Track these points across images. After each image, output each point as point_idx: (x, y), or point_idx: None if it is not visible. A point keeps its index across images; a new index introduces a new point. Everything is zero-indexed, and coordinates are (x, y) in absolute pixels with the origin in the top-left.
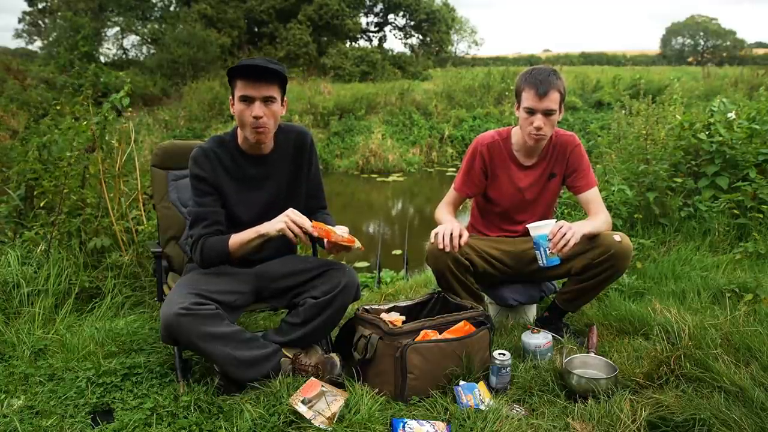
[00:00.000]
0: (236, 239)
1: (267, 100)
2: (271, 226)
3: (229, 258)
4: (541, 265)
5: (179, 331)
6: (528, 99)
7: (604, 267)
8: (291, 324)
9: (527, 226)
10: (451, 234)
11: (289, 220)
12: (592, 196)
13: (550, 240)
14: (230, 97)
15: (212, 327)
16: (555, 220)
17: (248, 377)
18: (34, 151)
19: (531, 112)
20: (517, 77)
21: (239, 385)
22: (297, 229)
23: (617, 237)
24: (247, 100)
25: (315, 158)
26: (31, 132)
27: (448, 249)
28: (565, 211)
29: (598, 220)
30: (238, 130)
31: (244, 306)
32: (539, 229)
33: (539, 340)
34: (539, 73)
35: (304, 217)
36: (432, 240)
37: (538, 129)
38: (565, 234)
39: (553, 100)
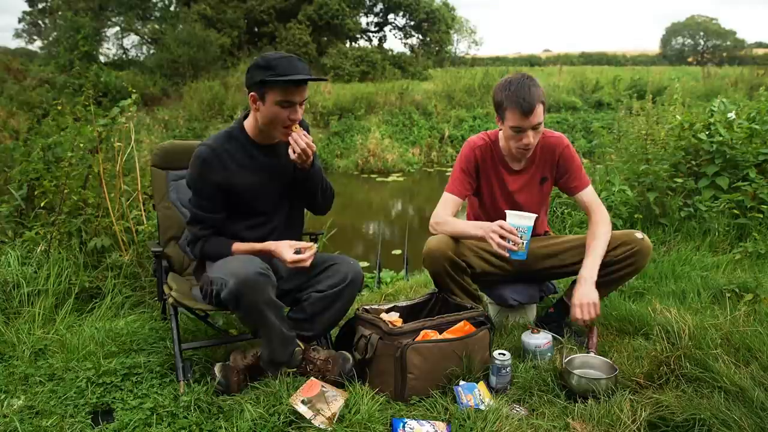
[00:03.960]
0: (241, 248)
1: (302, 103)
2: (280, 258)
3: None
4: (507, 254)
5: (254, 291)
6: (513, 119)
7: (627, 263)
8: (296, 320)
9: (506, 212)
10: (500, 235)
11: (294, 265)
12: (588, 197)
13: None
14: (252, 93)
15: (273, 296)
16: (537, 216)
17: (283, 358)
18: (38, 152)
19: (519, 130)
20: (495, 88)
21: (239, 386)
22: (300, 268)
23: (639, 235)
24: (289, 104)
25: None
26: (35, 132)
27: (515, 249)
28: (566, 211)
29: (599, 240)
30: (251, 123)
31: None
32: (522, 219)
33: (539, 340)
34: (519, 89)
35: (303, 255)
36: (496, 249)
37: (527, 145)
38: (589, 312)
39: (538, 115)
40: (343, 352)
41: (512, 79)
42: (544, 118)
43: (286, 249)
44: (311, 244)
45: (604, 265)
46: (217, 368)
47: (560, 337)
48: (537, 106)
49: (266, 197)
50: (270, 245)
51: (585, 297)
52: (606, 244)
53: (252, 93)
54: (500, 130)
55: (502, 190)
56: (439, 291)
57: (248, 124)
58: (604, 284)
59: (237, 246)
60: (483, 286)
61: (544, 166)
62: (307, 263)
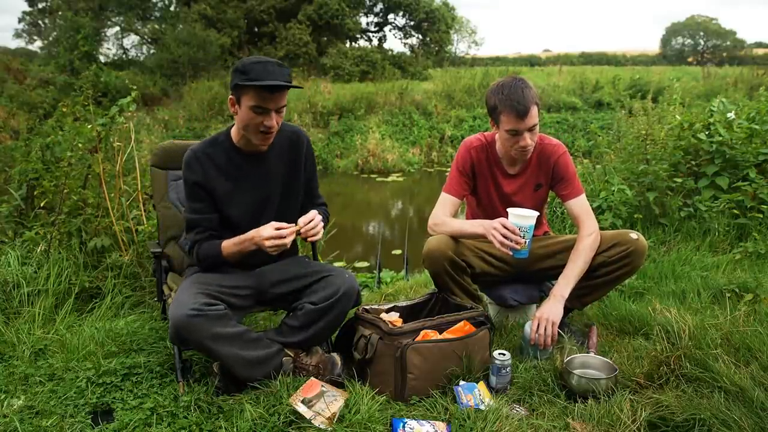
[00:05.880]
0: (229, 244)
1: (279, 110)
2: (259, 239)
3: (226, 261)
4: (510, 252)
5: (190, 332)
6: (509, 122)
7: (622, 264)
8: (290, 327)
9: (508, 210)
10: (502, 234)
11: (271, 242)
12: (578, 206)
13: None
14: (231, 97)
15: (221, 328)
16: (538, 213)
17: (255, 376)
18: (37, 152)
19: (516, 133)
20: (488, 93)
21: (238, 385)
22: (278, 245)
23: (633, 235)
24: (262, 110)
25: (312, 157)
26: (36, 133)
27: (518, 248)
28: (566, 211)
29: (579, 260)
30: (236, 129)
31: (247, 308)
32: (524, 218)
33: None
34: (512, 92)
35: (282, 232)
36: (498, 246)
37: (525, 147)
38: (545, 329)
39: (533, 116)
40: (333, 355)
41: (504, 83)
42: (539, 119)
43: (266, 229)
44: (292, 225)
45: (600, 266)
46: (216, 366)
47: (563, 334)
48: (531, 108)
49: (243, 206)
50: (251, 232)
51: (547, 312)
52: (587, 262)
53: (231, 96)
54: (496, 133)
55: (498, 192)
56: (439, 291)
57: (233, 130)
58: (600, 285)
59: (226, 243)
60: (483, 286)
61: (539, 172)
62: (286, 241)
